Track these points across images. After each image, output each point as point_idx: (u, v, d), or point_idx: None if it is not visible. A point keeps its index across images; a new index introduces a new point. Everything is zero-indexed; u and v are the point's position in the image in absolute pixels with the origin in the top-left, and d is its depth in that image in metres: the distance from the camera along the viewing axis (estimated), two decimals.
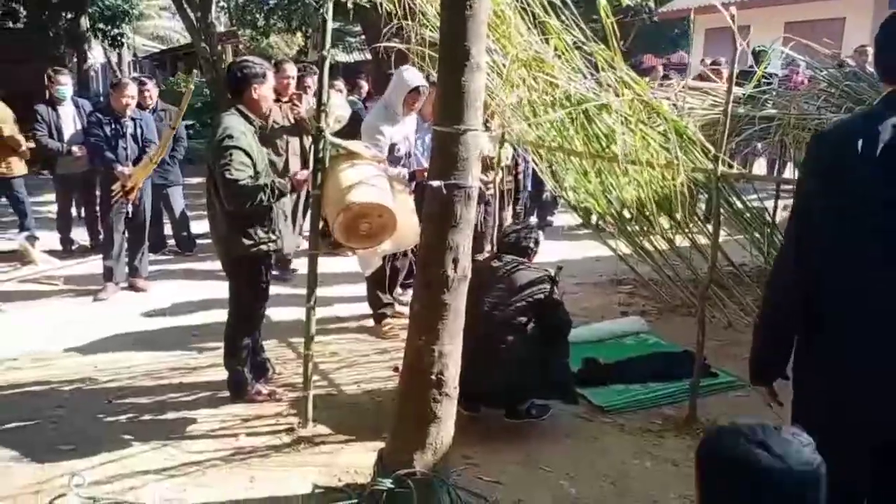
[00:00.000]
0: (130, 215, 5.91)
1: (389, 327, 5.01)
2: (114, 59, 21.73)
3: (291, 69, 6.14)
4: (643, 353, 4.57)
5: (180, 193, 7.07)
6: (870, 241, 1.94)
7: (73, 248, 7.23)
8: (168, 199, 6.93)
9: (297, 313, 4.37)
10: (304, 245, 5.75)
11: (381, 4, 4.23)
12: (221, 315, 3.99)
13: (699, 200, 5.31)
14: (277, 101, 5.91)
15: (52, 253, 7.05)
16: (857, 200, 1.93)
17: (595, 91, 4.04)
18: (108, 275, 5.90)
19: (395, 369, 4.19)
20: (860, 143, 1.92)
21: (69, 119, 6.67)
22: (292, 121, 5.97)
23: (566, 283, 5.88)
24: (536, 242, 3.84)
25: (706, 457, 1.38)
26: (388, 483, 2.78)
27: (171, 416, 3.82)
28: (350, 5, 4.65)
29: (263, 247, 3.72)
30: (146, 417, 3.81)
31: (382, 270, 4.92)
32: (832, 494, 2.14)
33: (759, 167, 9.28)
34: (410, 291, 4.25)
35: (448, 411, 2.89)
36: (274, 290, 4.45)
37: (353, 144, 3.66)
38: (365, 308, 5.32)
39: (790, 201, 2.17)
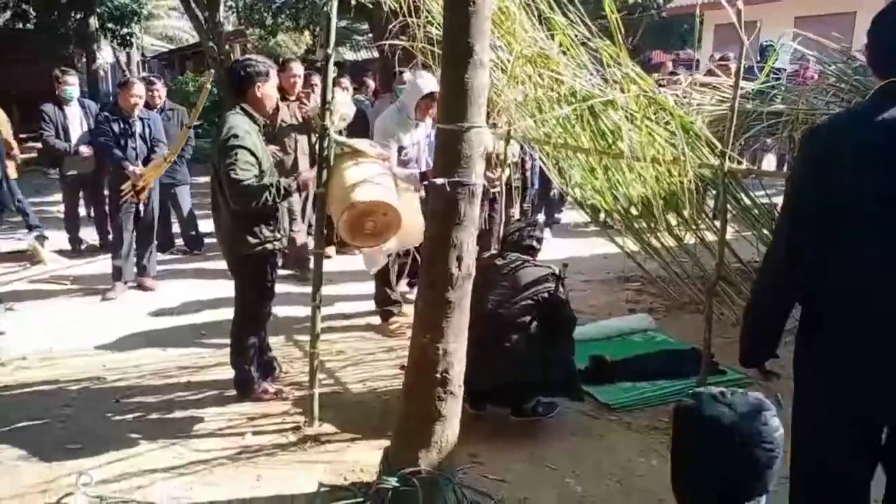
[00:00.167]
0: (141, 214, 5.96)
1: (396, 325, 5.01)
2: (122, 59, 21.80)
3: (298, 68, 6.15)
4: (651, 350, 4.56)
5: (188, 192, 7.09)
6: (867, 240, 1.91)
7: (83, 247, 7.27)
8: (176, 198, 6.96)
9: (304, 311, 4.38)
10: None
11: (385, 2, 4.22)
12: (229, 314, 3.99)
13: (708, 197, 5.28)
14: (285, 99, 5.94)
15: (61, 252, 7.09)
16: (852, 196, 1.90)
17: (601, 87, 4.01)
18: (117, 274, 5.93)
19: (402, 367, 4.18)
20: (853, 138, 1.90)
21: (76, 119, 6.69)
22: (300, 119, 5.99)
23: (574, 280, 5.88)
24: (539, 240, 3.82)
25: (682, 413, 1.56)
26: (393, 481, 2.78)
27: (178, 414, 3.83)
28: (353, 2, 4.64)
29: (269, 245, 3.73)
30: (154, 416, 3.82)
31: (387, 266, 4.91)
32: (832, 492, 2.13)
33: (769, 163, 9.22)
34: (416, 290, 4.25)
35: (453, 409, 2.89)
36: (281, 288, 4.46)
37: (358, 142, 3.65)
38: (371, 306, 5.33)
39: None
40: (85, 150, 6.60)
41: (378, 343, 4.87)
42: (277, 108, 5.80)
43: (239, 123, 3.55)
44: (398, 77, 6.51)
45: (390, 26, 4.36)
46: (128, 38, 18.35)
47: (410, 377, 2.94)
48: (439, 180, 2.69)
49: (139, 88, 5.98)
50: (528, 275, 3.58)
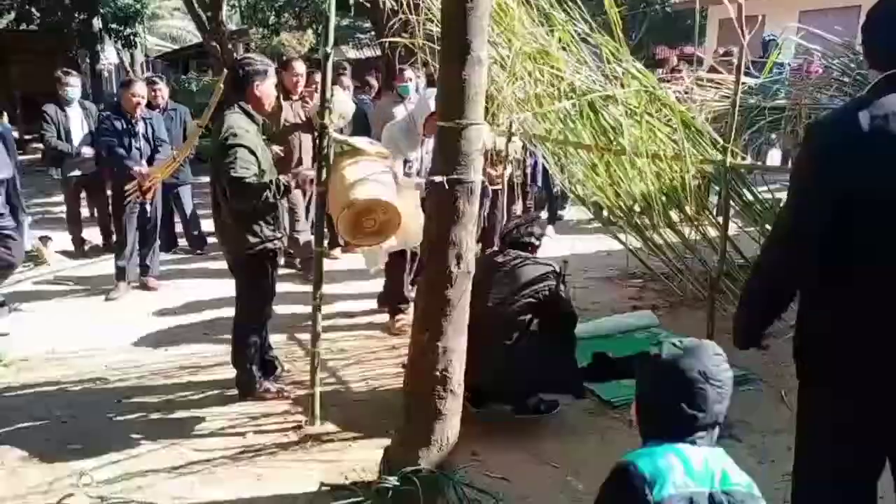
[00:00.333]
0: (148, 214, 5.98)
1: (402, 323, 4.99)
2: (126, 59, 21.84)
3: (301, 66, 6.11)
4: None
5: (190, 192, 7.10)
6: (878, 240, 1.89)
7: (86, 248, 7.27)
8: (179, 197, 6.97)
9: (307, 310, 4.37)
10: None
11: (385, 0, 4.21)
12: (232, 313, 3.98)
13: (712, 193, 5.26)
14: (287, 98, 5.93)
15: (65, 253, 7.11)
16: (864, 185, 1.87)
17: (601, 83, 3.99)
18: (121, 274, 5.94)
19: (404, 366, 4.17)
20: (860, 130, 1.87)
21: (77, 121, 6.69)
22: (304, 118, 5.97)
23: (577, 277, 5.87)
24: (538, 236, 3.79)
25: (644, 360, 1.83)
26: (393, 481, 2.77)
27: (180, 414, 3.83)
28: (352, 1, 4.62)
29: (270, 244, 3.72)
30: (155, 416, 3.82)
31: (403, 264, 4.90)
32: (836, 490, 2.10)
33: (774, 158, 9.18)
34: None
35: (453, 408, 2.88)
36: (283, 286, 4.46)
37: (357, 141, 3.64)
38: (374, 304, 5.33)
39: None
40: (87, 151, 6.60)
41: (381, 341, 4.86)
42: (280, 108, 5.80)
43: (238, 122, 3.54)
44: (400, 75, 6.49)
45: (390, 24, 4.35)
46: (131, 38, 18.36)
47: (410, 376, 2.94)
48: (438, 178, 2.68)
49: (140, 88, 5.99)
50: (528, 272, 3.57)
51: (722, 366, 1.75)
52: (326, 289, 3.56)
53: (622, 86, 3.90)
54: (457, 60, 2.60)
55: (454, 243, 2.72)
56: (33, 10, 15.97)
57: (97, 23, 16.56)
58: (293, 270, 6.31)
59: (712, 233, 4.78)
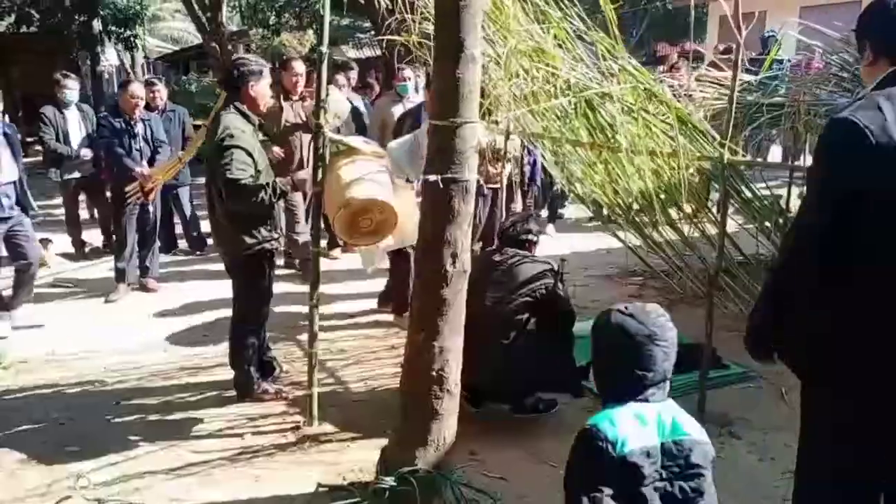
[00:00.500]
0: (151, 215, 5.99)
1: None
2: (127, 61, 21.85)
3: (300, 66, 6.07)
4: None
5: (189, 193, 7.09)
6: (879, 240, 1.87)
7: (87, 250, 7.28)
8: (178, 199, 6.97)
9: (305, 310, 4.35)
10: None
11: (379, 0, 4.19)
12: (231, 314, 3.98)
13: (713, 190, 5.24)
14: (288, 98, 5.90)
15: (65, 255, 7.11)
16: (866, 189, 1.85)
17: (597, 80, 3.98)
18: (120, 276, 5.93)
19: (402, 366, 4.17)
20: (883, 124, 1.84)
21: (75, 123, 6.69)
22: (304, 118, 5.95)
23: (577, 275, 5.85)
24: (535, 233, 3.77)
25: (595, 327, 2.01)
26: (390, 481, 2.76)
27: (178, 416, 3.82)
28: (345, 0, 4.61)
29: (266, 245, 3.72)
30: (153, 418, 3.82)
31: (407, 264, 4.87)
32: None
33: (775, 155, 9.16)
34: None
35: (450, 408, 2.87)
36: (282, 287, 4.45)
37: (352, 140, 3.64)
38: (374, 304, 5.32)
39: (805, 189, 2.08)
40: (86, 153, 6.60)
41: (380, 341, 4.85)
42: (281, 108, 5.78)
43: (234, 123, 3.53)
44: (398, 74, 6.47)
45: (386, 23, 4.33)
46: (131, 40, 18.36)
47: (406, 375, 2.93)
48: (432, 177, 2.67)
49: (138, 89, 5.99)
50: (525, 271, 3.55)
51: (666, 326, 1.91)
52: (326, 289, 3.56)
53: (618, 83, 3.88)
54: (451, 58, 2.59)
55: (449, 242, 2.71)
56: (33, 12, 15.96)
57: (97, 25, 16.54)
58: (292, 271, 6.31)
59: (712, 230, 4.76)
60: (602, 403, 1.96)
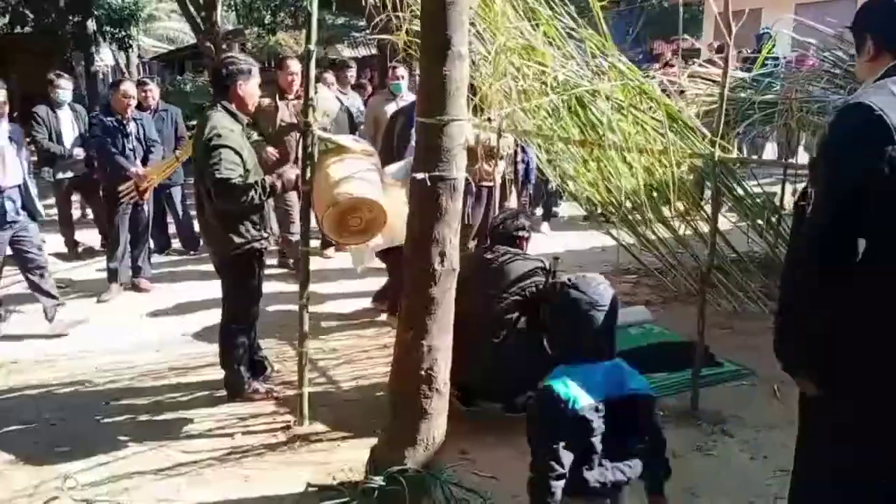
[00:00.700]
0: (144, 215, 5.98)
1: None
2: (122, 61, 21.83)
3: (295, 65, 5.97)
4: (647, 342, 4.51)
5: (181, 193, 7.07)
6: (879, 239, 1.84)
7: (80, 250, 7.25)
8: (171, 199, 6.95)
9: (297, 309, 4.34)
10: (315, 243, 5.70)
11: None
12: None
13: (707, 188, 5.24)
14: (283, 98, 5.85)
15: (58, 255, 7.08)
16: (869, 184, 1.81)
17: (587, 77, 3.96)
18: (113, 276, 5.92)
19: None
20: (872, 122, 1.82)
21: (68, 123, 6.67)
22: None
23: (570, 273, 5.80)
24: (526, 228, 3.74)
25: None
26: (379, 480, 2.75)
27: (168, 416, 3.81)
28: None
29: (256, 245, 3.70)
30: (143, 418, 3.80)
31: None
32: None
33: (770, 152, 9.15)
34: None
35: (439, 407, 2.86)
36: (274, 286, 4.43)
37: (341, 139, 3.62)
38: (367, 303, 5.30)
39: (800, 185, 2.05)
40: (78, 153, 6.58)
41: (372, 341, 4.83)
42: (276, 108, 5.75)
43: (221, 122, 3.51)
44: (392, 73, 6.45)
45: (374, 21, 4.32)
46: (126, 40, 18.35)
47: (395, 375, 2.92)
48: (419, 175, 2.65)
49: (130, 88, 5.96)
50: (516, 269, 3.54)
51: (605, 294, 2.12)
52: (318, 288, 3.55)
53: (609, 80, 3.87)
54: (438, 56, 2.58)
55: (437, 241, 2.69)
56: (27, 12, 15.93)
57: (91, 25, 16.52)
58: (286, 270, 6.29)
59: (704, 228, 4.75)
60: (554, 364, 2.16)
